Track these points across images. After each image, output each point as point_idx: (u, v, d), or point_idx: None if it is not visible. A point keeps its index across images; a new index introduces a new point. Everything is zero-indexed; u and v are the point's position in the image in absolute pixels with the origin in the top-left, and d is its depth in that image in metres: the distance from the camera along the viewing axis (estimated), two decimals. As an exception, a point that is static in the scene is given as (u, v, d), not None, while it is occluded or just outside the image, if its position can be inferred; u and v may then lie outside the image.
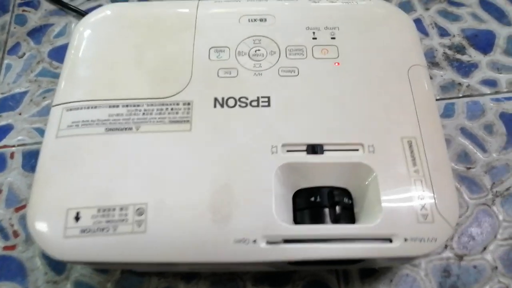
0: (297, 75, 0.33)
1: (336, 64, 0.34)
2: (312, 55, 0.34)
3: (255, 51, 0.35)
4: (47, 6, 0.48)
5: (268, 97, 0.32)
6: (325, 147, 0.30)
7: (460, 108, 0.41)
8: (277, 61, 0.34)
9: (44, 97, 0.43)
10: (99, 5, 0.48)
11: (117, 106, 0.32)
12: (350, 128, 0.31)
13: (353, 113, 0.32)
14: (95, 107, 0.32)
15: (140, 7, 0.38)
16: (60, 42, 0.46)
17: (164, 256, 0.28)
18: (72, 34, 0.37)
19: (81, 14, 0.46)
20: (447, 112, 0.41)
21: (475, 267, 0.35)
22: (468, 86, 0.42)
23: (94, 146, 0.31)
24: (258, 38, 0.35)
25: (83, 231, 0.28)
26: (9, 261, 0.37)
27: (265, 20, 0.36)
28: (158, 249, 0.28)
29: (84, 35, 0.36)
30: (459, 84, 0.42)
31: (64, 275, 0.36)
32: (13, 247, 0.38)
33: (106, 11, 0.37)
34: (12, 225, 0.38)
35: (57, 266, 0.37)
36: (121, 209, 0.28)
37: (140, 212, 0.28)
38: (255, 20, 0.36)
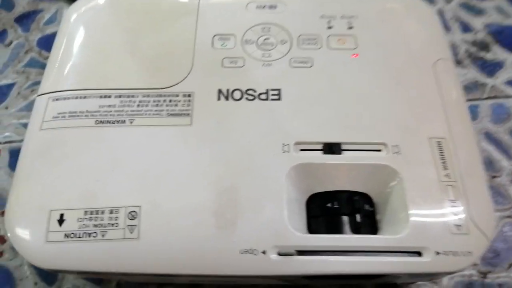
0: (311, 66, 0.30)
1: (354, 55, 0.30)
2: (327, 45, 0.31)
3: (264, 40, 0.31)
4: (36, -11, 0.44)
5: (279, 90, 0.29)
6: (343, 146, 0.27)
7: (484, 111, 0.38)
8: (289, 51, 0.31)
9: (32, 90, 0.39)
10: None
11: (109, 97, 0.29)
12: (371, 125, 0.27)
13: (374, 109, 0.28)
14: (85, 97, 0.29)
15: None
16: (50, 30, 0.42)
17: (160, 267, 0.24)
18: (62, 19, 0.33)
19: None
20: (470, 115, 0.37)
21: (500, 285, 0.32)
22: (492, 86, 0.39)
23: (82, 140, 0.27)
24: (267, 26, 0.32)
25: (67, 235, 0.24)
26: (-4, 269, 0.33)
27: (275, 7, 0.33)
28: (153, 259, 0.24)
29: (75, 21, 0.33)
30: (483, 84, 0.39)
31: (55, 286, 0.33)
32: (0, 254, 0.34)
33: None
34: (-2, 230, 0.34)
35: (47, 276, 0.33)
36: (111, 211, 0.25)
37: (132, 216, 0.25)
38: (263, 6, 0.33)
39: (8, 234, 0.25)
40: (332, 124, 0.28)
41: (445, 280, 0.32)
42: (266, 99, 0.28)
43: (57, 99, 0.29)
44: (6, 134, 0.38)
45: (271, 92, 0.29)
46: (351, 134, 0.27)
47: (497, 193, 0.34)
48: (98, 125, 0.28)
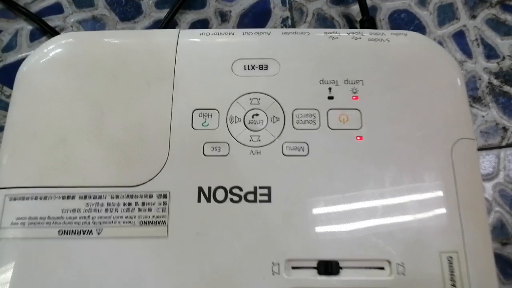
0: (306, 154, 0.25)
1: (358, 138, 0.26)
2: (327, 123, 0.26)
3: (253, 116, 0.26)
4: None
5: (269, 188, 0.25)
6: (341, 263, 0.24)
7: (501, 163, 0.33)
8: (281, 132, 0.26)
9: (-4, 137, 0.34)
10: (56, 4, 0.38)
11: (73, 198, 0.25)
12: (374, 238, 0.24)
13: (379, 215, 0.24)
14: (45, 197, 0.25)
15: (101, 43, 0.29)
16: (11, 58, 0.36)
17: None
18: (15, 82, 0.28)
19: (32, 19, 0.36)
20: (484, 167, 0.33)
21: None
22: (515, 130, 0.34)
23: (44, 256, 0.24)
24: (256, 96, 0.27)
25: None
26: None
27: (266, 67, 0.27)
28: None
29: (28, 86, 0.28)
30: (504, 128, 0.34)
31: None
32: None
33: (54, 49, 0.28)
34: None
35: None
36: None
37: None
38: (253, 67, 0.27)
39: None
40: (328, 236, 0.24)
41: None
42: (254, 201, 0.25)
43: (14, 199, 0.25)
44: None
45: (259, 192, 0.25)
46: (350, 249, 0.24)
47: (506, 263, 0.31)
48: (61, 237, 0.24)
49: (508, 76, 0.35)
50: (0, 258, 0.24)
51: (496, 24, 0.36)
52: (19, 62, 0.30)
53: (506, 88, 0.35)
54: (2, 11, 0.38)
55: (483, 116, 0.34)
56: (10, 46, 0.37)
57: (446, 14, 0.37)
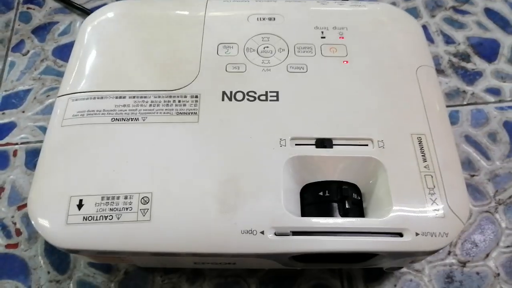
0: (306, 71, 0.33)
1: (345, 62, 0.34)
2: (321, 53, 0.34)
3: (264, 48, 0.35)
4: (51, 4, 0.48)
5: (277, 92, 0.32)
6: (334, 141, 0.30)
7: (464, 116, 0.41)
8: (286, 58, 0.34)
9: (48, 95, 0.42)
10: (105, 4, 0.48)
11: (124, 97, 0.32)
12: (359, 123, 0.31)
13: (362, 109, 0.31)
14: (101, 97, 0.32)
15: (146, 6, 0.38)
16: (64, 40, 0.46)
17: (168, 246, 0.27)
18: (78, 31, 0.37)
19: (86, 12, 0.46)
20: (452, 119, 0.41)
21: (477, 273, 0.35)
22: (472, 94, 0.42)
23: (99, 135, 0.30)
24: (266, 36, 0.35)
25: (85, 218, 0.27)
26: (12, 260, 0.36)
27: (274, 19, 0.36)
28: (162, 238, 0.27)
29: (91, 32, 0.36)
30: (464, 92, 0.42)
31: (67, 275, 0.35)
32: (15, 246, 0.37)
33: (111, 10, 0.37)
34: (14, 223, 0.37)
35: (60, 266, 0.36)
36: (126, 197, 0.28)
37: (145, 200, 0.28)
38: (263, 19, 0.36)
39: (31, 217, 0.28)
40: (324, 122, 0.31)
41: (427, 269, 0.35)
42: (266, 100, 0.32)
43: (76, 100, 0.32)
44: (23, 135, 0.41)
45: (270, 94, 0.32)
46: (341, 130, 0.30)
47: (475, 190, 0.37)
48: (114, 122, 0.31)
49: (464, 56, 0.44)
50: (63, 140, 0.30)
51: (450, 21, 0.47)
52: (71, 43, 0.39)
53: (463, 64, 0.44)
54: (60, 9, 0.48)
55: (447, 83, 0.43)
56: (65, 32, 0.46)
57: (411, 14, 0.47)
